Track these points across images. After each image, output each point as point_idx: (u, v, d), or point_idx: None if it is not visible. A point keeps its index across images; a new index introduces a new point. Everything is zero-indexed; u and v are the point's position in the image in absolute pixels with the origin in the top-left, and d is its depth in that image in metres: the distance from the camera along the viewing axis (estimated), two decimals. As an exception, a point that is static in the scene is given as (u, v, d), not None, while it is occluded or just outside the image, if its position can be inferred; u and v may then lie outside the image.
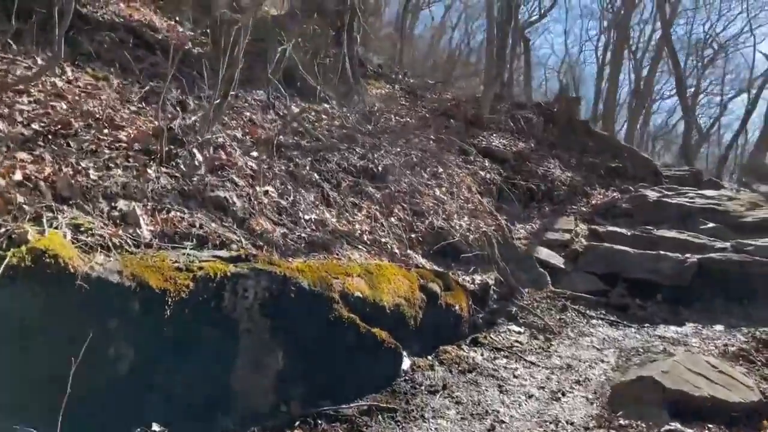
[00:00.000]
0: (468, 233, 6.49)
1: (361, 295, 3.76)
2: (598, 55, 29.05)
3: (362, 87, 10.08)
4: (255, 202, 4.22)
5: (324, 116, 8.29)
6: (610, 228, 7.76)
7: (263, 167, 5.04)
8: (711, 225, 7.99)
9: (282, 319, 3.26)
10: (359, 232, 5.25)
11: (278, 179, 4.99)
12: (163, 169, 3.78)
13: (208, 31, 7.85)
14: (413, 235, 6.06)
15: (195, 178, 3.93)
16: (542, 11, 24.03)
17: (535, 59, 32.50)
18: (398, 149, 7.79)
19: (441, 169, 7.73)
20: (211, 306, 3.01)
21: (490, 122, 10.33)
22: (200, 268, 2.99)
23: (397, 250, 5.46)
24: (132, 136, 4.06)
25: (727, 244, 7.02)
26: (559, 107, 11.29)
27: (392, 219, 6.09)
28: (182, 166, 3.93)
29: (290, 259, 3.68)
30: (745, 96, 28.50)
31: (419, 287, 4.59)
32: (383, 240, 5.45)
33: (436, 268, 5.66)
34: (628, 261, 6.70)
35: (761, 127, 15.32)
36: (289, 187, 4.94)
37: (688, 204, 8.67)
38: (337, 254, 4.36)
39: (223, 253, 3.29)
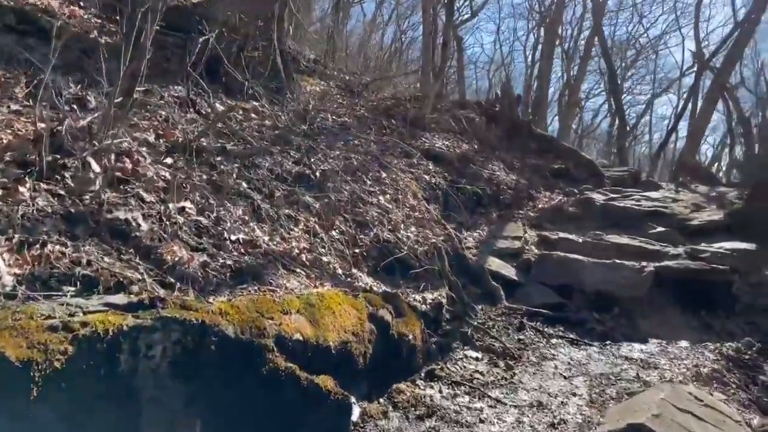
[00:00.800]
0: (416, 245, 5.92)
1: (301, 338, 3.09)
2: (526, 54, 29.45)
3: (296, 83, 9.34)
4: (167, 223, 3.46)
5: (253, 115, 7.50)
6: (562, 235, 7.42)
7: (180, 177, 4.26)
8: (659, 229, 7.82)
9: (200, 381, 2.55)
10: (297, 251, 4.56)
11: (198, 191, 4.22)
12: (43, 186, 2.96)
13: (118, 18, 6.90)
14: (357, 250, 5.43)
15: (87, 196, 3.12)
16: (474, 9, 24.02)
17: (465, 58, 32.65)
18: (337, 152, 7.13)
19: (384, 174, 7.14)
20: (101, 374, 2.26)
21: (432, 122, 9.84)
22: (84, 324, 2.23)
23: (340, 270, 4.80)
24: (4, 143, 3.20)
25: (681, 250, 6.82)
26: (500, 107, 10.96)
27: (333, 233, 5.43)
28: (70, 181, 3.12)
29: (212, 298, 2.96)
30: (671, 96, 29.80)
31: (368, 316, 3.96)
32: (325, 259, 4.78)
33: (384, 288, 5.05)
34: (583, 271, 6.34)
35: (691, 125, 15.69)
36: (212, 200, 4.19)
37: (635, 207, 8.50)
38: (272, 283, 3.65)
39: (119, 298, 2.54)
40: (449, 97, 12.29)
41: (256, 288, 3.40)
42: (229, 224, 4.06)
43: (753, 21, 14.70)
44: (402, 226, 6.16)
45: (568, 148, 11.43)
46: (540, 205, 8.98)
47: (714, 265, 6.18)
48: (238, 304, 2.91)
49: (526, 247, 7.23)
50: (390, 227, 5.99)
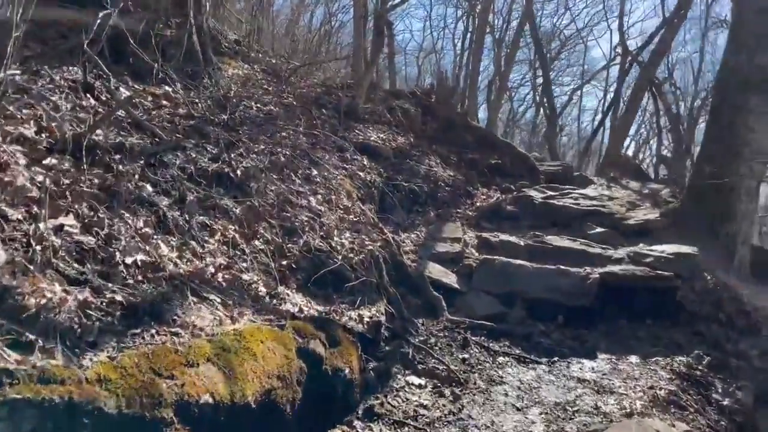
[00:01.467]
0: (352, 254, 5.33)
1: (211, 400, 2.44)
2: (455, 42, 29.28)
3: (216, 66, 8.47)
4: (37, 249, 2.69)
5: (165, 102, 6.62)
6: (502, 237, 7.06)
7: (63, 183, 3.45)
8: (599, 230, 7.65)
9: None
10: (212, 270, 3.86)
11: (85, 201, 3.43)
12: None
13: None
14: (285, 263, 4.78)
15: None
16: None
17: (395, 44, 32.13)
18: (262, 146, 6.40)
19: (315, 172, 6.48)
20: None
21: (366, 113, 9.25)
22: None
23: (264, 290, 4.14)
24: None
25: (623, 254, 6.62)
26: (436, 98, 10.51)
27: (257, 242, 4.75)
28: None
29: (89, 357, 2.25)
30: (597, 90, 30.54)
31: (297, 351, 3.36)
32: (246, 277, 4.11)
33: (317, 308, 4.45)
34: (526, 278, 6.00)
35: (617, 119, 15.95)
36: (102, 213, 3.41)
37: (573, 206, 8.30)
38: (175, 320, 2.96)
39: (-61, 379, 1.80)
40: (381, 85, 11.70)
41: (154, 331, 2.70)
42: (123, 242, 3.31)
43: (681, 16, 15.03)
44: (336, 231, 5.55)
45: (504, 142, 11.16)
46: (478, 203, 8.62)
47: (659, 271, 5.99)
48: (125, 363, 2.23)
49: (467, 251, 6.81)
50: (322, 233, 5.37)
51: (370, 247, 5.58)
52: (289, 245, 5.00)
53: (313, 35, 19.54)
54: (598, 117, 29.88)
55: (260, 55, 12.21)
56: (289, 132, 7.30)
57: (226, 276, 3.89)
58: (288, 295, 4.39)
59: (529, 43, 29.40)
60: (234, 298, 3.70)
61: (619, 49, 28.61)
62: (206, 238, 4.32)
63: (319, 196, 6.03)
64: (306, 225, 5.32)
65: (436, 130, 10.21)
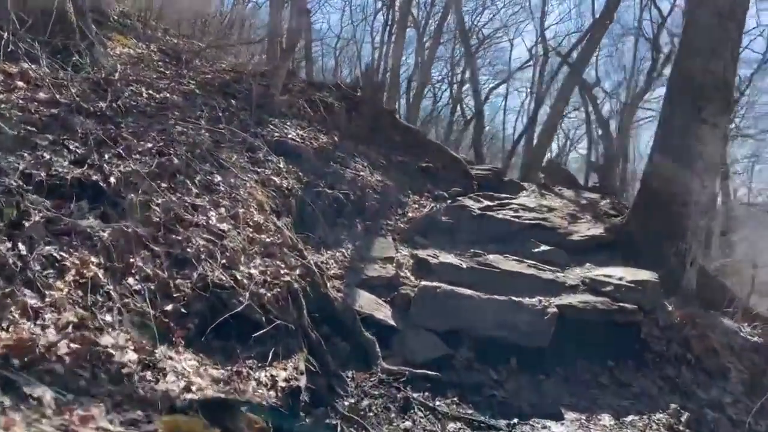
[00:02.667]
0: (263, 288, 4.19)
1: None
2: (373, 35, 28.49)
3: (97, 41, 6.97)
4: None
5: (20, 83, 5.18)
6: (442, 257, 6.15)
7: None
8: (544, 247, 6.95)
9: None
10: (50, 339, 2.62)
11: None
12: None
13: None
14: (171, 308, 3.58)
15: None
16: None
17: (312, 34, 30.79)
18: (149, 144, 5.10)
19: (219, 177, 5.26)
20: None
21: (283, 106, 8.04)
22: None
23: (134, 358, 2.94)
24: None
25: (576, 279, 5.92)
26: (363, 92, 9.46)
27: (131, 281, 3.52)
28: None
29: None
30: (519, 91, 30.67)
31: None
32: (105, 341, 2.88)
33: (212, 373, 3.30)
34: (474, 311, 5.12)
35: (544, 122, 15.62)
36: None
37: (514, 219, 7.55)
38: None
39: None
40: (297, 74, 10.49)
41: None
42: None
43: (607, 16, 14.87)
44: (243, 258, 4.38)
45: (435, 144, 10.31)
46: (410, 214, 7.68)
47: (621, 304, 5.30)
48: None
49: (401, 274, 5.83)
50: (225, 262, 4.19)
51: (287, 278, 4.45)
52: (179, 281, 3.80)
53: (224, 17, 17.87)
54: (517, 118, 30.24)
55: (159, 33, 10.66)
56: (188, 126, 6.01)
57: (72, 346, 2.65)
58: (172, 358, 3.21)
59: (448, 40, 29.17)
60: (80, 384, 2.48)
61: (537, 50, 29.04)
62: (51, 280, 3.05)
63: (223, 210, 4.83)
64: (203, 251, 4.12)
65: (362, 128, 9.17)
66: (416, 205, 8.00)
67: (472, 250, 6.72)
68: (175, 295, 3.69)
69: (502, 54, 29.78)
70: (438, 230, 7.39)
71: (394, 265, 6.05)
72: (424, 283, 5.47)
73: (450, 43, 29.65)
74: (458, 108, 31.34)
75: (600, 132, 12.33)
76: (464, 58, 28.35)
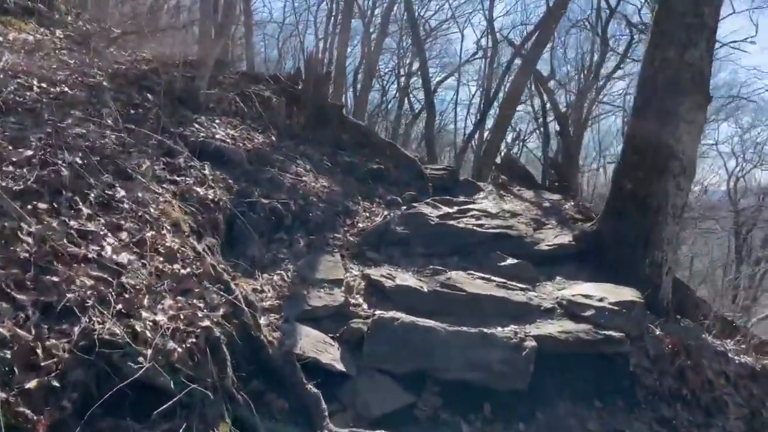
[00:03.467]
0: (172, 341, 3.25)
1: None
2: (317, 25, 27.64)
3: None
4: None
5: None
6: (398, 278, 5.33)
7: None
8: (511, 261, 6.24)
9: None
10: None
11: None
12: None
13: None
14: (35, 383, 2.61)
15: None
16: None
17: (253, 23, 29.49)
18: (29, 152, 4.06)
19: (122, 192, 4.27)
20: None
21: (211, 101, 7.02)
22: None
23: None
24: None
25: (553, 301, 5.23)
26: (305, 85, 8.51)
27: (-29, 351, 2.53)
28: None
29: None
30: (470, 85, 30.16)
31: None
32: None
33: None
34: (440, 349, 4.33)
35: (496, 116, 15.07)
36: None
37: (477, 228, 6.81)
38: None
39: None
40: (235, 66, 9.44)
41: None
42: None
43: (561, 5, 14.43)
44: (147, 300, 3.43)
45: (387, 143, 9.46)
46: (360, 224, 6.83)
47: (607, 332, 4.61)
48: None
49: (352, 301, 4.99)
50: (121, 307, 3.23)
51: (206, 322, 3.53)
52: (50, 341, 2.83)
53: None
54: (467, 112, 29.87)
55: (69, 18, 9.40)
56: (88, 127, 4.96)
57: None
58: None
59: (395, 32, 28.45)
60: None
61: (487, 41, 28.67)
62: None
63: (124, 236, 3.86)
64: (90, 296, 3.15)
65: (304, 125, 8.24)
66: (367, 214, 7.15)
67: (431, 266, 5.94)
68: (43, 364, 2.72)
69: (449, 46, 29.30)
70: (392, 242, 6.57)
71: (343, 289, 5.20)
72: (379, 313, 4.63)
73: (397, 35, 29.00)
74: (406, 101, 30.79)
75: (558, 127, 11.80)
76: (413, 49, 27.76)
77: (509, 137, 25.23)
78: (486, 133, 17.25)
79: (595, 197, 12.22)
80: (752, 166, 26.33)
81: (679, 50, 6.52)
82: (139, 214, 4.15)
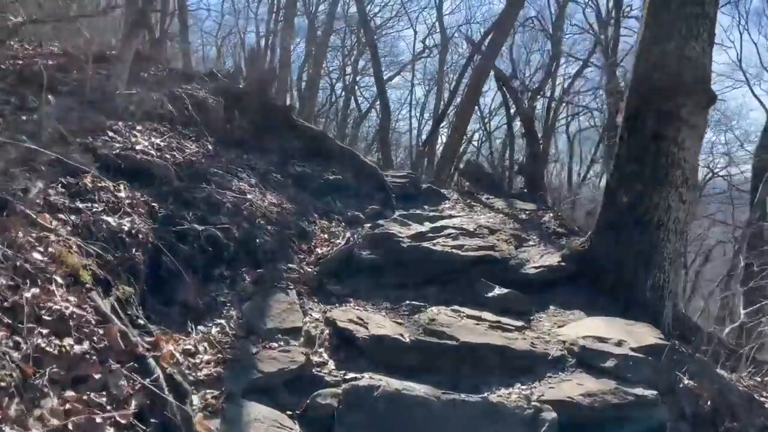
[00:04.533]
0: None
1: None
2: (257, 23, 26.40)
3: None
4: None
5: None
6: (374, 328, 4.27)
7: None
8: (498, 291, 5.34)
9: None
10: None
11: None
12: None
13: None
14: None
15: None
16: None
17: (189, 19, 27.86)
18: None
19: (-10, 232, 3.06)
20: None
21: (131, 103, 5.79)
22: None
23: None
24: None
25: (559, 346, 4.32)
26: (248, 84, 7.34)
27: None
28: None
29: None
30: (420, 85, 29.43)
31: None
32: None
33: None
34: (434, 427, 3.31)
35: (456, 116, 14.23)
36: None
37: (455, 251, 5.86)
38: None
39: None
40: (166, 63, 8.16)
41: None
42: None
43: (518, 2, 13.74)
44: (14, 406, 2.28)
45: (345, 149, 8.39)
46: (319, 248, 5.77)
47: (638, 392, 3.72)
48: None
49: (315, 358, 3.93)
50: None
51: (111, 431, 2.40)
52: None
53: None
54: (422, 113, 29.14)
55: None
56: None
57: None
58: None
59: (341, 28, 27.40)
60: None
61: (430, 41, 28.01)
62: None
63: (-13, 301, 2.67)
64: None
65: (247, 130, 7.09)
66: (326, 235, 6.09)
67: (408, 302, 4.96)
68: None
69: (396, 44, 28.59)
70: (358, 270, 5.56)
71: (303, 341, 4.14)
72: (351, 379, 3.59)
73: (342, 32, 27.98)
74: (353, 100, 29.77)
75: (524, 129, 11.03)
76: (360, 47, 26.77)
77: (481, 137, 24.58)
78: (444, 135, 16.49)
79: (564, 204, 11.46)
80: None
81: (679, 43, 5.76)
82: (16, 263, 2.96)
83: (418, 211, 8.06)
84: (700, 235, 18.72)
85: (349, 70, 29.21)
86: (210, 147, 6.09)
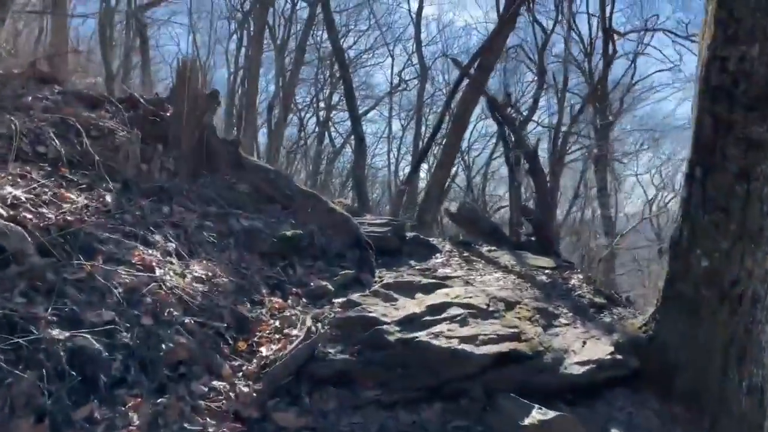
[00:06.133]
0: None
1: None
2: (228, 57, 25.32)
3: None
4: None
5: None
6: None
7: None
8: (540, 416, 3.57)
9: None
10: None
11: None
12: None
13: None
14: None
15: None
16: None
17: (158, 56, 26.44)
18: None
19: None
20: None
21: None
22: None
23: None
24: None
25: None
26: (176, 109, 5.59)
27: None
28: None
29: None
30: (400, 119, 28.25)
31: None
32: None
33: None
34: None
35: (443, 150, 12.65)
36: None
37: (466, 347, 4.08)
38: None
39: None
40: (65, 83, 6.34)
41: None
42: None
43: (509, 25, 12.42)
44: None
45: (307, 193, 6.60)
46: (264, 348, 3.94)
47: None
48: None
49: None
50: None
51: None
52: None
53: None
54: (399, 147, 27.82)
55: None
56: None
57: None
58: None
59: (311, 61, 26.16)
60: None
61: (411, 72, 26.82)
62: None
63: None
64: None
65: (174, 172, 5.31)
66: (277, 323, 4.28)
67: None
68: None
69: (370, 78, 27.58)
70: (322, 382, 3.76)
71: None
72: None
73: (314, 65, 26.83)
74: (326, 136, 28.51)
75: (527, 165, 9.44)
76: (333, 81, 25.47)
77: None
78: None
79: (589, 259, 9.74)
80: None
81: (764, 46, 4.22)
82: None
83: (404, 271, 6.38)
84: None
85: (323, 104, 28.01)
86: (108, 198, 4.28)
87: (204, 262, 4.42)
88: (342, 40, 23.82)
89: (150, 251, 4.02)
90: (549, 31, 18.78)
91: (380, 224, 8.05)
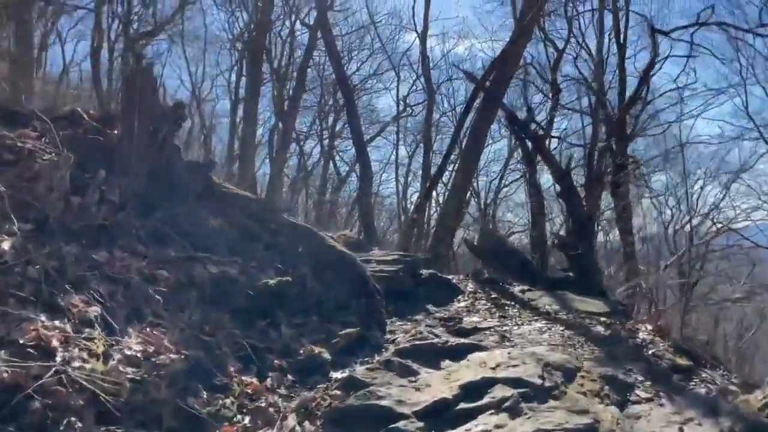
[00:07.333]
0: None
1: None
2: (230, 89, 24.39)
3: None
4: None
5: None
6: None
7: None
8: None
9: None
10: None
11: None
12: None
13: None
14: None
15: None
16: (158, 23, 17.64)
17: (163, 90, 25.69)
18: None
19: None
20: None
21: None
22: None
23: None
24: None
25: None
26: (125, 124, 4.35)
27: None
28: None
29: None
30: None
31: None
32: None
33: None
34: None
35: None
36: None
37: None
38: None
39: None
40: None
41: None
42: None
43: (529, 26, 11.28)
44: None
45: (298, 227, 5.32)
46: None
47: None
48: None
49: None
50: None
51: None
52: None
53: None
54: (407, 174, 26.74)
55: None
56: None
57: None
58: None
59: (314, 87, 25.25)
60: None
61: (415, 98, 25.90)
62: None
63: None
64: None
65: (120, 205, 4.07)
66: (246, 419, 2.99)
67: None
68: None
69: (375, 103, 26.54)
70: None
71: None
72: None
73: (317, 92, 25.90)
74: (331, 164, 27.48)
75: (560, 189, 8.15)
76: (337, 107, 24.51)
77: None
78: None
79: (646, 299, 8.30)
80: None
81: None
82: None
83: (421, 319, 5.22)
84: None
85: (326, 132, 27.02)
86: (6, 246, 3.05)
87: (146, 330, 3.16)
88: (345, 66, 22.97)
89: (56, 323, 2.76)
90: (561, 49, 17.80)
91: (390, 261, 6.83)
